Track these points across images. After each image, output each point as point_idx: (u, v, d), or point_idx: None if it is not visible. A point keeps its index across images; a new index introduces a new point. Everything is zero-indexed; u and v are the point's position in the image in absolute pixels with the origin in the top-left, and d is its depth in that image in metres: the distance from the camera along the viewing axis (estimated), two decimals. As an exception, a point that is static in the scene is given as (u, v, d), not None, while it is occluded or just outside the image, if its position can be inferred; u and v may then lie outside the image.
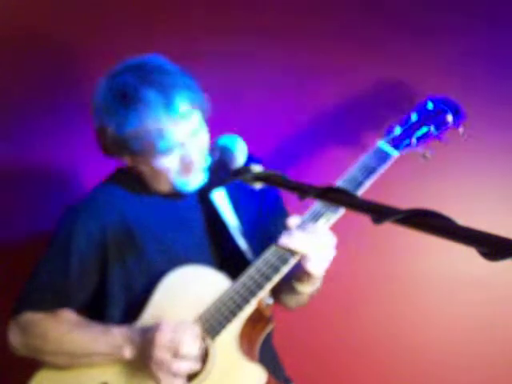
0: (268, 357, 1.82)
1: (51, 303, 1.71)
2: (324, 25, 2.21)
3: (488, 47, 2.15)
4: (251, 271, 1.63)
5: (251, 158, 1.23)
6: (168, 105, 1.57)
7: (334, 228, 1.62)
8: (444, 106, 1.79)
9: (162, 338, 1.55)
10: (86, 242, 1.72)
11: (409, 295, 2.31)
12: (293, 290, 1.72)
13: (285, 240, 1.56)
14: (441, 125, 1.79)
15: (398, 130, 1.74)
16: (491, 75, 2.15)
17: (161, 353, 1.54)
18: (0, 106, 2.27)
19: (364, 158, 1.68)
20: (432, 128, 1.77)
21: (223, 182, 1.13)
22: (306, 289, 1.70)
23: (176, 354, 1.55)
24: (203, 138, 1.68)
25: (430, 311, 2.31)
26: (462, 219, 0.73)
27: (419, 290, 2.30)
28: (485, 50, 2.15)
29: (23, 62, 2.27)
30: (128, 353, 1.61)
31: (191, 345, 1.56)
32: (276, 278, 1.61)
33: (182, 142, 1.63)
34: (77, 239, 1.72)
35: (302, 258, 1.57)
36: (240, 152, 1.07)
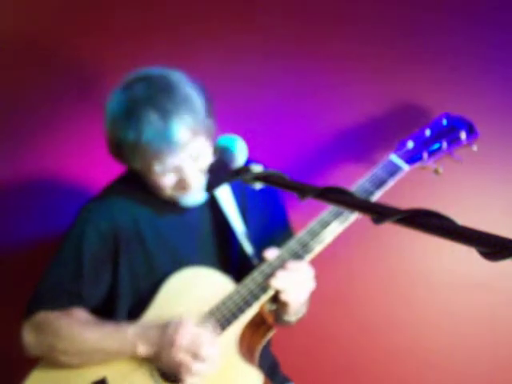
0: (266, 361, 1.83)
1: (64, 302, 1.71)
2: (336, 39, 2.21)
3: (503, 66, 2.15)
4: (255, 275, 1.65)
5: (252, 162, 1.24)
6: (166, 132, 1.56)
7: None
8: (458, 123, 1.79)
9: (183, 339, 1.56)
10: (98, 242, 1.74)
11: (409, 295, 2.30)
12: (279, 319, 1.74)
13: (270, 281, 1.60)
14: (453, 141, 1.79)
15: (410, 145, 1.75)
16: (504, 91, 2.14)
17: (180, 354, 1.56)
18: (6, 110, 2.31)
19: (375, 170, 1.70)
20: (444, 144, 1.77)
21: (223, 182, 1.13)
22: (290, 317, 1.73)
23: (196, 356, 1.56)
24: (204, 160, 1.66)
25: (429, 311, 2.29)
26: (462, 220, 0.72)
27: (419, 290, 2.29)
28: (499, 69, 2.15)
29: (31, 66, 2.31)
30: (143, 350, 1.61)
31: (211, 346, 1.57)
32: None
33: (179, 166, 1.63)
34: (89, 239, 1.73)
35: (282, 292, 1.61)
36: (240, 152, 1.07)
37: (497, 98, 2.13)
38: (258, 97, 2.24)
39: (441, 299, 2.27)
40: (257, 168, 1.04)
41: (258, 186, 1.03)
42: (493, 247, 0.67)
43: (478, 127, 1.76)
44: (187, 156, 1.62)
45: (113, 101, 1.65)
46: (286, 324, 1.78)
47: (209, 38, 2.24)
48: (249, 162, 1.13)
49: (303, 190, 0.89)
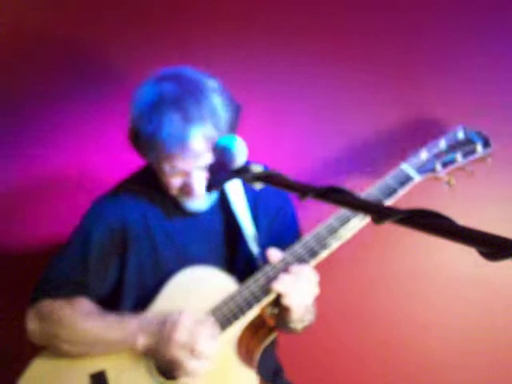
0: (270, 366, 1.83)
1: (69, 291, 1.74)
2: (351, 47, 2.22)
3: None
4: (258, 277, 1.65)
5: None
6: (183, 136, 1.56)
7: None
8: (474, 136, 1.77)
9: (180, 335, 1.57)
10: (107, 236, 1.76)
11: (409, 296, 2.29)
12: (284, 326, 1.73)
13: (272, 284, 1.59)
14: (468, 154, 1.76)
15: (423, 155, 1.73)
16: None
17: (176, 350, 1.57)
18: (20, 108, 2.33)
19: (386, 179, 1.68)
20: (459, 156, 1.75)
21: (223, 182, 1.13)
22: (295, 324, 1.71)
23: (192, 353, 1.56)
24: None
25: (430, 312, 2.28)
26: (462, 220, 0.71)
27: (420, 291, 2.28)
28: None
29: (50, 62, 2.33)
30: (142, 342, 1.62)
31: (207, 344, 1.58)
32: None
33: (188, 172, 1.65)
34: (98, 231, 1.76)
35: (286, 297, 1.59)
36: (240, 152, 1.07)
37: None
38: (266, 102, 2.24)
39: (441, 299, 2.26)
40: (257, 168, 1.04)
41: (259, 186, 1.03)
42: (493, 247, 0.66)
43: (492, 138, 1.75)
44: (197, 165, 1.62)
45: (143, 89, 1.66)
46: (293, 331, 1.77)
47: (222, 39, 2.25)
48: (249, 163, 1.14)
49: (303, 190, 0.88)
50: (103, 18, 2.30)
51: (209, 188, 1.17)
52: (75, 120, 2.32)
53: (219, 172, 1.09)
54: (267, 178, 0.99)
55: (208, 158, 1.61)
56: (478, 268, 2.07)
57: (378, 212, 0.79)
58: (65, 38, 2.30)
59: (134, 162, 1.82)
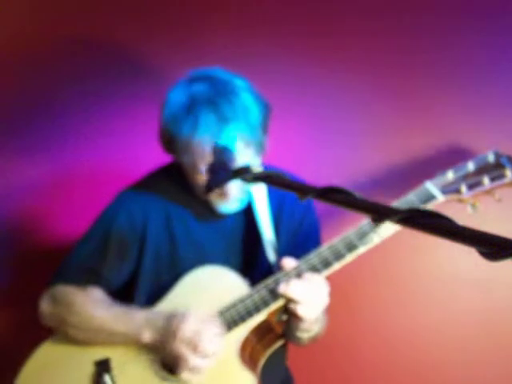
0: (279, 375, 1.83)
1: (84, 280, 1.77)
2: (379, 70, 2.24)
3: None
4: (269, 282, 1.65)
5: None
6: (218, 137, 1.56)
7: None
8: (505, 161, 1.73)
9: (185, 332, 1.58)
10: (127, 229, 1.77)
11: (409, 295, 2.29)
12: (290, 334, 1.72)
13: (282, 287, 1.58)
14: (496, 178, 1.71)
15: (450, 175, 1.69)
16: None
17: (181, 346, 1.57)
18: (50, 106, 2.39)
19: (408, 195, 1.65)
20: (486, 180, 1.70)
21: (223, 182, 1.12)
22: (301, 334, 1.70)
23: (195, 350, 1.57)
24: None
25: (430, 311, 2.28)
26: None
27: (420, 290, 2.28)
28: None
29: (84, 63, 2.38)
30: (147, 336, 1.64)
31: (211, 343, 1.58)
32: None
33: None
34: (119, 223, 1.78)
35: (295, 303, 1.58)
36: (240, 152, 1.07)
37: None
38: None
39: (440, 299, 2.25)
40: (257, 168, 1.03)
41: (259, 185, 1.02)
42: (493, 247, 0.65)
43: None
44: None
45: (174, 92, 1.67)
46: (299, 341, 1.75)
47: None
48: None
49: (303, 190, 0.87)
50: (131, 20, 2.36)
51: (208, 188, 1.16)
52: (101, 116, 2.37)
53: (219, 172, 1.09)
54: (267, 177, 0.98)
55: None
56: (478, 268, 2.04)
57: (378, 212, 0.78)
58: (92, 38, 2.36)
59: (158, 156, 1.81)
